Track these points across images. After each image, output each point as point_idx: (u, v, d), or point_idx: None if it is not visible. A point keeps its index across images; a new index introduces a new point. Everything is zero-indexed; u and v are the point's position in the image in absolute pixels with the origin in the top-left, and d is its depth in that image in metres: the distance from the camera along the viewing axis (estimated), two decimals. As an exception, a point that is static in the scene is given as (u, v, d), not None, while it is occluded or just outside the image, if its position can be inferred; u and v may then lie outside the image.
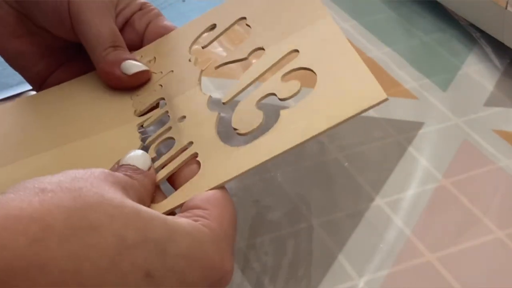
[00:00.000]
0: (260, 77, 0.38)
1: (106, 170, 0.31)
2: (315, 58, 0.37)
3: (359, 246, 0.39)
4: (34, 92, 0.50)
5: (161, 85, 0.42)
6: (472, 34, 0.56)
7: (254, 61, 0.40)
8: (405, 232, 0.40)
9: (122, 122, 0.41)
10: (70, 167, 0.38)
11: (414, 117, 0.48)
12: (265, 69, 0.38)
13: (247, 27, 0.43)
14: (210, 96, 0.39)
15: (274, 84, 0.37)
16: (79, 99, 0.44)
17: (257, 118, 0.36)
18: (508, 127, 0.47)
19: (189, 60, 0.43)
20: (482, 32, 0.55)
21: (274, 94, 0.36)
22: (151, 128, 0.41)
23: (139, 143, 0.39)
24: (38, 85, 0.48)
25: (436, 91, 0.50)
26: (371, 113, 0.48)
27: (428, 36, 0.56)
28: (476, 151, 0.45)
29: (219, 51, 0.53)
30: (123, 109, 0.42)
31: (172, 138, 0.38)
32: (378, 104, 0.33)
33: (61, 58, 0.47)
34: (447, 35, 0.56)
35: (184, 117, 0.39)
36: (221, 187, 0.33)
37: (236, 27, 0.44)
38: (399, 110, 0.49)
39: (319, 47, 0.37)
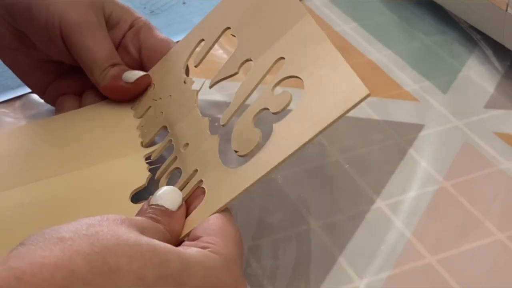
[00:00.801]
0: (252, 92, 0.39)
1: (122, 216, 0.32)
2: (300, 63, 0.37)
3: (359, 248, 0.39)
4: (34, 95, 0.50)
5: (162, 112, 0.43)
6: (473, 37, 0.56)
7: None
8: (406, 234, 0.40)
9: (129, 152, 0.42)
10: (79, 193, 0.39)
11: (415, 119, 0.48)
12: (255, 83, 0.39)
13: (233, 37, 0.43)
14: (209, 119, 0.40)
15: (266, 98, 0.37)
16: (86, 127, 0.44)
17: (255, 136, 0.36)
18: (509, 129, 0.47)
19: (184, 82, 0.43)
20: (482, 34, 0.55)
21: (267, 109, 0.37)
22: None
23: (147, 173, 0.40)
24: (41, 93, 0.48)
25: (437, 93, 0.50)
26: (371, 115, 0.48)
27: (428, 38, 0.57)
28: (476, 153, 0.45)
29: (219, 53, 0.53)
30: (130, 139, 0.43)
31: (178, 168, 0.39)
32: (362, 100, 0.33)
33: (57, 71, 0.48)
34: (447, 38, 0.56)
35: (187, 144, 0.39)
36: (224, 209, 0.34)
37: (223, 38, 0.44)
38: (399, 112, 0.49)
39: (303, 51, 0.38)
